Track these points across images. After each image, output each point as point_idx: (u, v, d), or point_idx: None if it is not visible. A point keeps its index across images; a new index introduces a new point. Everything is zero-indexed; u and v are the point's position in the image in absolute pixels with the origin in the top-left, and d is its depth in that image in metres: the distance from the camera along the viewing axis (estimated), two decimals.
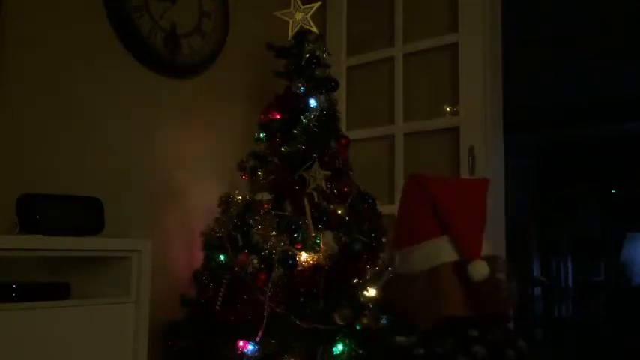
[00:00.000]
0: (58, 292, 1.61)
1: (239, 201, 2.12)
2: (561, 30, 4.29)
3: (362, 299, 1.94)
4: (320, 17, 2.56)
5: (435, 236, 1.35)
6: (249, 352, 1.86)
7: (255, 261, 1.95)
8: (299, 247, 1.97)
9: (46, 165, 1.93)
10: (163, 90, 2.29)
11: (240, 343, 1.87)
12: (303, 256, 1.97)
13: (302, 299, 1.91)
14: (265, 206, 2.06)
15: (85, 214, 1.74)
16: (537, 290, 7.56)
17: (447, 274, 1.33)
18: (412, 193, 1.45)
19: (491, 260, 1.33)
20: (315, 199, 2.06)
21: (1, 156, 1.82)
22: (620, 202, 7.48)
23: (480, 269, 1.30)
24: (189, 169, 2.35)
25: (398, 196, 2.50)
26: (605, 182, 7.45)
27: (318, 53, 2.20)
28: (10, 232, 1.61)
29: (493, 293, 1.32)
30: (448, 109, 2.43)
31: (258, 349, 1.85)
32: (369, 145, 2.62)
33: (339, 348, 1.82)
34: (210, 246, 2.10)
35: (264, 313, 1.86)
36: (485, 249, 1.37)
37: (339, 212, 2.06)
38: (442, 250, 1.34)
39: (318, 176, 2.05)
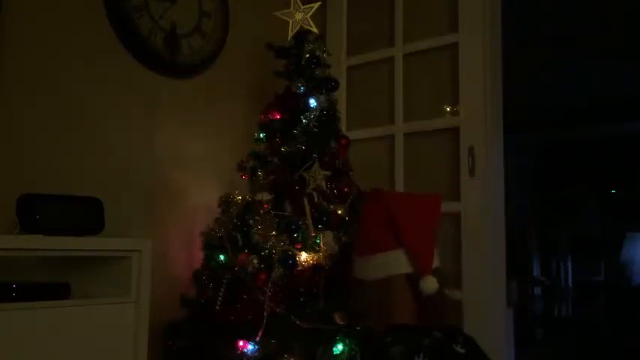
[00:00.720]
0: (58, 292, 1.61)
1: (239, 201, 2.12)
2: (561, 30, 4.29)
3: None
4: (320, 17, 2.56)
5: (391, 248, 1.48)
6: (249, 352, 1.86)
7: (255, 261, 1.95)
8: (299, 247, 1.97)
9: (46, 165, 1.93)
10: (163, 90, 2.29)
11: (240, 343, 1.87)
12: (303, 256, 1.97)
13: (302, 299, 1.91)
14: (265, 206, 2.06)
15: (85, 214, 1.74)
16: (537, 290, 7.57)
17: (400, 285, 1.47)
18: (373, 207, 1.59)
19: (439, 274, 1.48)
20: (315, 199, 2.06)
21: (1, 156, 1.82)
22: (620, 202, 7.48)
23: (430, 284, 1.44)
24: (189, 169, 2.35)
25: None
26: (605, 182, 7.45)
27: (318, 53, 2.20)
28: (10, 232, 1.61)
29: (439, 305, 1.48)
30: (448, 109, 2.43)
31: (258, 349, 1.85)
32: (369, 145, 2.61)
33: (339, 348, 1.82)
34: (210, 246, 2.10)
35: (264, 313, 1.86)
36: (435, 261, 1.51)
37: (339, 212, 2.06)
38: (397, 262, 1.47)
39: (318, 176, 2.05)
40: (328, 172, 2.07)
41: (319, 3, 2.28)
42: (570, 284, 7.88)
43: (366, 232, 1.58)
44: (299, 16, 2.22)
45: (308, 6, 2.24)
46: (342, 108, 2.50)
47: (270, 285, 1.89)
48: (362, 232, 1.60)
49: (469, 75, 2.37)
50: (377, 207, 1.58)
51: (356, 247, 1.62)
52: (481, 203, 2.29)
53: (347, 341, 1.82)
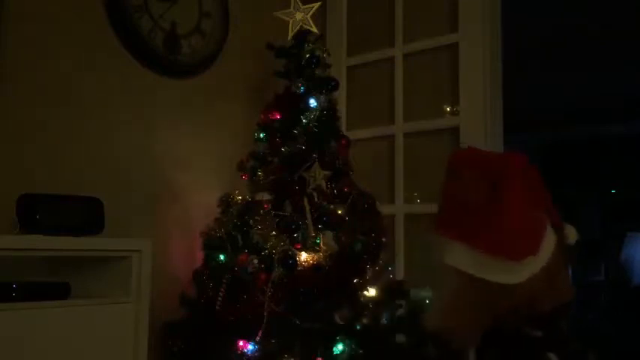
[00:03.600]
0: (58, 292, 1.61)
1: (239, 201, 2.12)
2: (562, 30, 4.29)
3: (362, 299, 1.95)
4: (320, 17, 2.56)
5: None
6: (249, 352, 1.86)
7: (255, 261, 1.95)
8: (299, 247, 1.97)
9: (46, 165, 1.93)
10: (163, 90, 2.29)
11: (240, 343, 1.87)
12: (303, 256, 1.97)
13: (302, 299, 1.91)
14: (265, 206, 2.06)
15: (85, 214, 1.73)
16: None
17: None
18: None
19: None
20: (315, 199, 2.06)
21: (1, 156, 1.82)
22: (620, 202, 7.48)
23: None
24: (189, 169, 2.35)
25: (398, 196, 2.50)
26: (605, 182, 7.45)
27: (318, 53, 2.21)
28: (10, 232, 1.61)
29: None
30: (448, 109, 2.43)
31: (258, 349, 1.85)
32: (369, 145, 2.62)
33: (339, 348, 1.82)
34: (210, 246, 2.10)
35: (264, 313, 1.86)
36: None
37: (339, 212, 2.06)
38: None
39: (318, 176, 2.05)
40: (328, 172, 2.07)
41: (319, 3, 2.28)
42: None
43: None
44: (299, 16, 2.22)
45: (308, 6, 2.24)
46: (342, 108, 2.50)
47: (270, 285, 1.89)
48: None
49: (469, 75, 2.37)
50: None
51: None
52: None
53: (347, 341, 1.82)
